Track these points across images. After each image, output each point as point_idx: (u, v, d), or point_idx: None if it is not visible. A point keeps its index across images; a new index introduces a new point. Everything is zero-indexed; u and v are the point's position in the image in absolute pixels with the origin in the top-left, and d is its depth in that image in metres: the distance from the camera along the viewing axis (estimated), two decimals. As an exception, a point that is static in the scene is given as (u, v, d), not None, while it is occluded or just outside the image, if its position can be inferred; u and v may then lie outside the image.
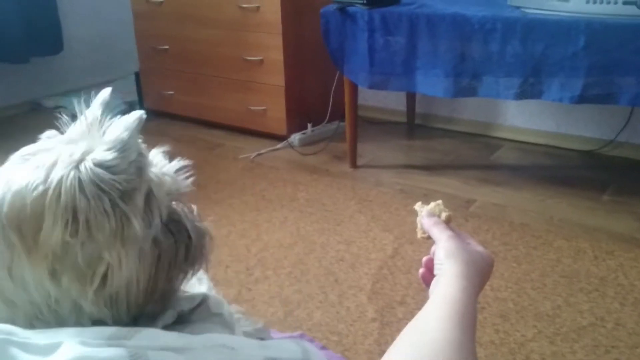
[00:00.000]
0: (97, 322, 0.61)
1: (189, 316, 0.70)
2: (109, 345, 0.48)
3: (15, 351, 0.46)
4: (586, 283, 1.70)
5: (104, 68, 3.96)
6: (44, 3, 3.49)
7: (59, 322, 0.59)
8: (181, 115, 3.22)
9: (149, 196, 0.62)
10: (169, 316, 0.67)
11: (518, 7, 2.07)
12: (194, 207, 0.72)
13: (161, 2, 3.11)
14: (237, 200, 2.28)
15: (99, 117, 0.65)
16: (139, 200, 0.60)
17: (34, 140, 0.71)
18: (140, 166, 0.60)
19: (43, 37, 3.50)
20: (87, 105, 0.68)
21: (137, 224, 0.59)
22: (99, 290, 0.58)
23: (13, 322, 0.58)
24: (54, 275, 0.57)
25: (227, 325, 0.72)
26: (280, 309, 1.62)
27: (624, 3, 1.79)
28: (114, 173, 0.57)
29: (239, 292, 1.68)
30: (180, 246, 0.67)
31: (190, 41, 3.07)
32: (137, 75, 3.39)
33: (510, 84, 2.03)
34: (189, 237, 0.68)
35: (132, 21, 3.32)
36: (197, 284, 0.82)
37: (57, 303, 0.59)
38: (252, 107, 2.94)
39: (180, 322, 0.68)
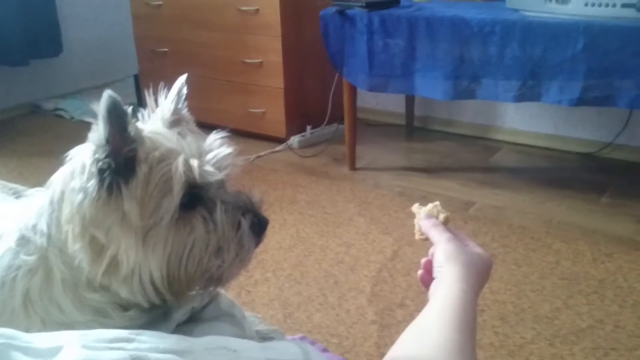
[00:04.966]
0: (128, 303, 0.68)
1: (200, 314, 0.71)
2: (111, 349, 0.48)
3: (16, 355, 0.46)
4: (585, 285, 1.70)
5: (103, 70, 3.96)
6: (44, 6, 3.50)
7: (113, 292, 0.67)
8: (180, 117, 3.22)
9: (157, 184, 0.65)
10: (182, 314, 0.68)
11: (517, 10, 2.08)
12: (259, 199, 0.75)
13: (160, 5, 3.12)
14: (237, 203, 2.28)
15: (166, 106, 0.77)
16: (136, 186, 0.64)
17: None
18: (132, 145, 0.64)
19: (42, 40, 3.51)
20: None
21: (132, 210, 0.63)
22: (111, 272, 0.64)
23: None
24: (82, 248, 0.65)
25: (239, 326, 0.73)
26: (279, 311, 1.62)
27: (623, 6, 1.79)
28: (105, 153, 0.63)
29: (238, 294, 1.68)
30: (211, 237, 0.68)
31: (190, 44, 3.07)
32: (136, 77, 3.39)
33: (509, 86, 2.03)
34: (223, 230, 0.69)
35: (131, 24, 3.32)
36: None
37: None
38: (251, 110, 2.94)
39: (193, 320, 0.69)
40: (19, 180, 2.21)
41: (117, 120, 0.62)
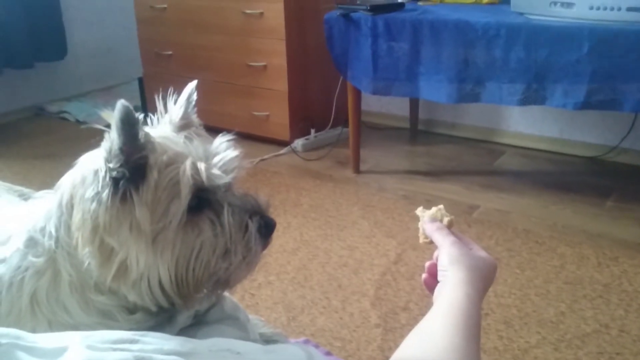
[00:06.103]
0: (139, 307, 0.68)
1: (204, 316, 0.71)
2: (115, 350, 0.49)
3: (22, 355, 0.46)
4: (590, 289, 1.69)
5: (107, 73, 3.98)
6: (49, 9, 3.51)
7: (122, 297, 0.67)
8: (184, 120, 3.23)
9: (165, 188, 0.65)
10: (187, 317, 0.68)
11: (522, 13, 2.08)
12: (266, 202, 0.76)
13: (165, 8, 3.13)
14: (241, 206, 2.28)
15: (175, 111, 0.78)
16: (146, 193, 0.64)
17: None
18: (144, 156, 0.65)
19: (47, 43, 3.52)
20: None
21: (143, 215, 0.63)
22: (120, 276, 0.64)
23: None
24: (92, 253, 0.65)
25: (243, 329, 0.73)
26: (283, 314, 1.61)
27: (628, 9, 1.79)
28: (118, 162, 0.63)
29: (242, 297, 1.68)
30: (219, 240, 0.68)
31: (194, 47, 3.08)
32: (140, 80, 3.40)
33: (513, 90, 2.03)
34: (230, 233, 0.70)
35: (136, 27, 3.33)
36: None
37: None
38: (255, 113, 2.95)
39: (197, 323, 0.70)
40: (24, 183, 2.21)
41: (130, 129, 0.62)
